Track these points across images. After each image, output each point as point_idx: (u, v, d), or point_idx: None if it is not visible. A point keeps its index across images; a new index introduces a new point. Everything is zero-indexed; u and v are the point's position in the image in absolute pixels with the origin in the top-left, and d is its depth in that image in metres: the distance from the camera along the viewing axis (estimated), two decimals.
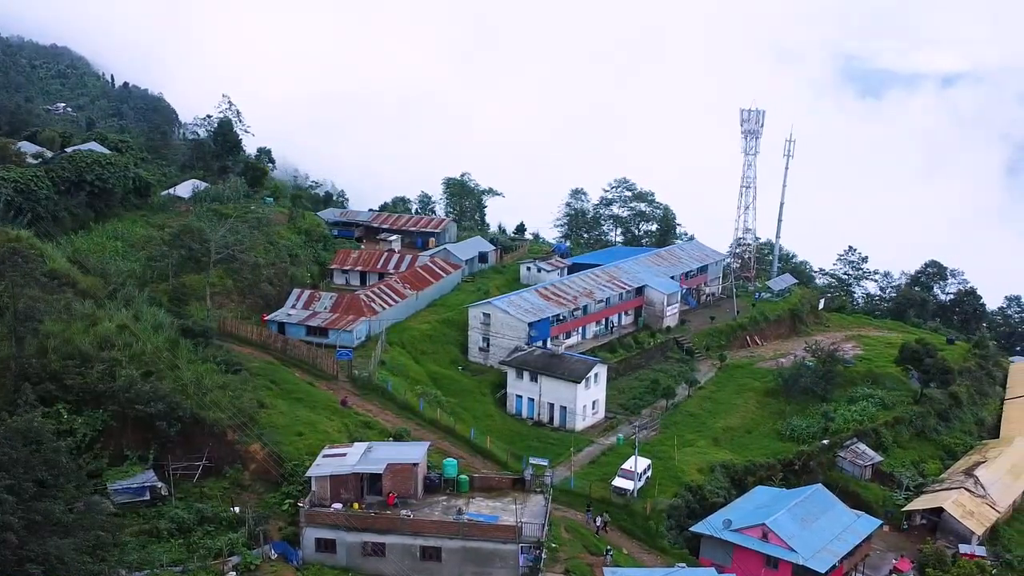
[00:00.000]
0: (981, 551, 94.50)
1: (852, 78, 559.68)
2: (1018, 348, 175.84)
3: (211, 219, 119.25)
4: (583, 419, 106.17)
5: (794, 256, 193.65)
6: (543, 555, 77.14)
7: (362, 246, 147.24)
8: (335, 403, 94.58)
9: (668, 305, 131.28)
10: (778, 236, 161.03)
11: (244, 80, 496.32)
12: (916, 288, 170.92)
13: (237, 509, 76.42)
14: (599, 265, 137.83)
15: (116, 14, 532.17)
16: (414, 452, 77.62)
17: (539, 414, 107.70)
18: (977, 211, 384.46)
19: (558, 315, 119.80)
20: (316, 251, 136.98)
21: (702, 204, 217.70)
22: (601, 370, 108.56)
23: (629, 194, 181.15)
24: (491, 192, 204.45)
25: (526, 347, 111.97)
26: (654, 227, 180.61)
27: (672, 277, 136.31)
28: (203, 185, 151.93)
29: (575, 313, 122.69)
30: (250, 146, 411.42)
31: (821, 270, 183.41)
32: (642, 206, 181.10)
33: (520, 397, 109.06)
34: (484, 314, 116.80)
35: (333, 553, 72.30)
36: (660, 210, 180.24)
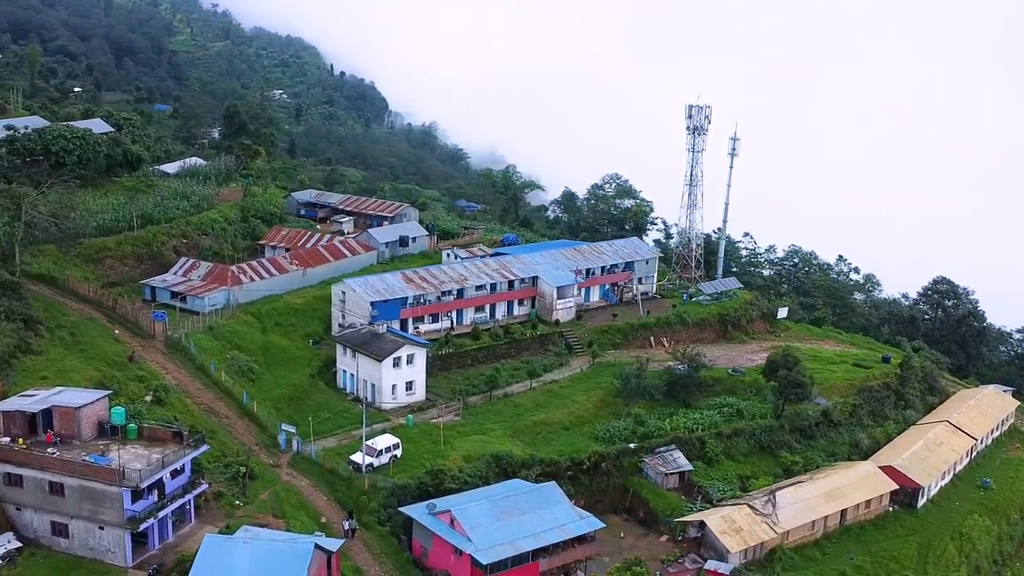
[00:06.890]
0: (726, 569, 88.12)
1: None
2: None
3: (124, 192, 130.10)
4: (391, 397, 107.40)
5: (830, 267, 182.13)
6: (187, 507, 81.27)
7: (319, 228, 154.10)
8: (123, 358, 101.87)
9: (559, 298, 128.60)
10: (723, 236, 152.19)
11: (454, 70, 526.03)
12: (921, 306, 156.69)
13: None
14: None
15: (340, 6, 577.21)
16: (86, 398, 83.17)
17: (358, 390, 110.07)
18: None
19: (419, 297, 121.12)
20: (253, 226, 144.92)
21: None
22: (417, 352, 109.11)
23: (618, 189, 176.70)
24: (532, 186, 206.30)
25: (359, 325, 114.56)
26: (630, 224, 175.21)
27: (577, 271, 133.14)
28: (195, 161, 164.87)
29: (442, 298, 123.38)
30: (452, 135, 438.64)
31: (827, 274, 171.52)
32: (628, 202, 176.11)
33: (345, 372, 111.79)
34: (342, 291, 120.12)
35: None
36: (635, 205, 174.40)
